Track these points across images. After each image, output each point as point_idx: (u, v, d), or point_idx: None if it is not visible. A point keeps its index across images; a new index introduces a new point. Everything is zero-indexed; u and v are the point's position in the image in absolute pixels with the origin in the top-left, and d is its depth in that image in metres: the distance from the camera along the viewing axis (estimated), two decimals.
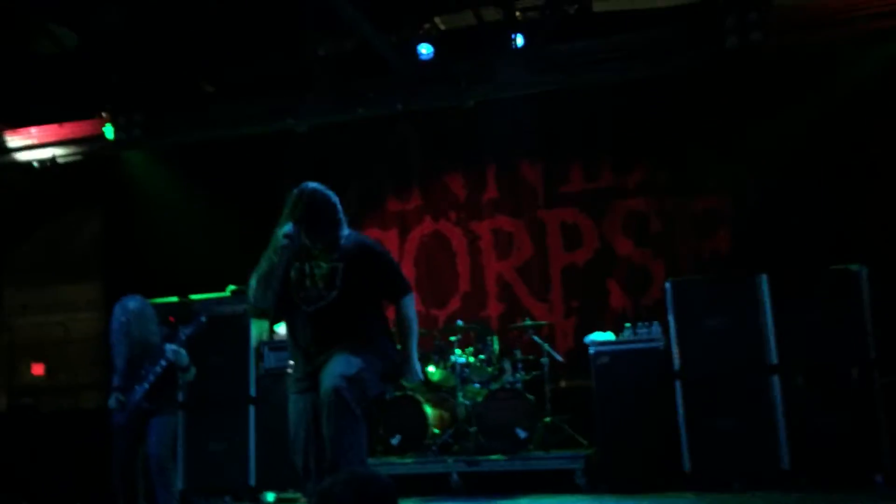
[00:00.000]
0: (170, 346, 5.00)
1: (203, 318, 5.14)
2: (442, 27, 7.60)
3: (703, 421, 5.97)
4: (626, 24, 7.04)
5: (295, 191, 3.69)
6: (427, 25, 7.41)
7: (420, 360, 6.96)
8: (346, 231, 3.76)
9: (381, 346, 3.66)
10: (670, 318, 6.20)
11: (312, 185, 3.72)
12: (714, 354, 6.03)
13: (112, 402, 5.08)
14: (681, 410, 6.04)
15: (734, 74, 7.09)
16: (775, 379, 5.91)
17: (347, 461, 3.25)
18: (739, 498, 5.50)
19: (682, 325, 6.15)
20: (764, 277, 6.05)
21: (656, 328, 6.37)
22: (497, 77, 7.02)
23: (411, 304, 3.77)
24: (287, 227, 3.56)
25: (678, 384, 6.08)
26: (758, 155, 7.19)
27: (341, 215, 3.74)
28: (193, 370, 5.20)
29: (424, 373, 7.16)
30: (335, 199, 3.74)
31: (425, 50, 7.20)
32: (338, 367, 3.43)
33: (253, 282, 3.64)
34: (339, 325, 3.56)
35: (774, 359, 5.94)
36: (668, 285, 6.32)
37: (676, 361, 6.12)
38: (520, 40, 6.94)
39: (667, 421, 6.05)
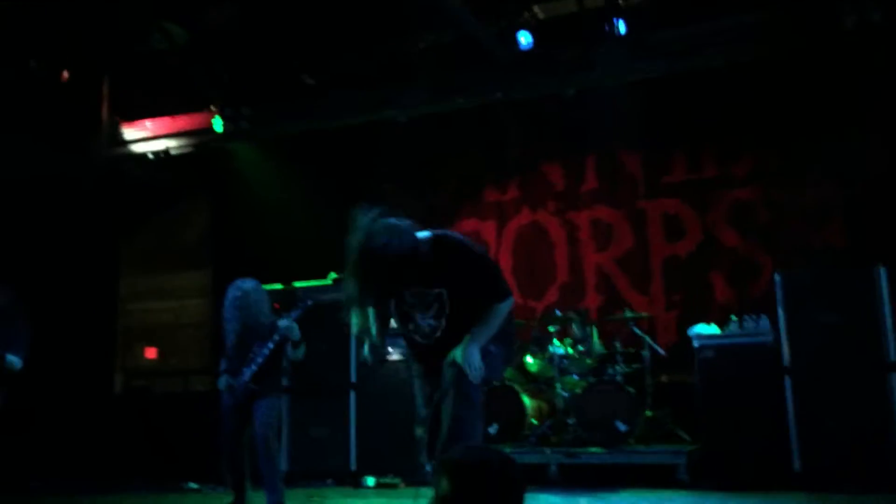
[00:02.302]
0: (283, 321, 5.14)
1: (309, 302, 5.27)
2: (541, 16, 7.51)
3: (814, 419, 5.72)
4: (733, 8, 6.80)
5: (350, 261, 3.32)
6: (526, 14, 7.36)
7: (517, 350, 7.08)
8: (422, 247, 3.37)
9: (502, 331, 3.61)
10: (780, 311, 5.97)
11: (360, 249, 3.24)
12: (827, 350, 5.77)
13: (222, 384, 5.26)
14: (791, 407, 5.80)
15: (848, 56, 6.75)
16: (893, 377, 5.62)
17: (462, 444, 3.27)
18: (852, 500, 5.25)
19: (793, 318, 5.91)
20: (882, 270, 5.75)
21: (764, 322, 6.14)
22: (598, 65, 6.91)
23: (505, 308, 3.50)
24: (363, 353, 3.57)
25: (788, 380, 5.86)
26: (873, 142, 6.84)
27: (406, 245, 3.28)
28: (304, 348, 5.31)
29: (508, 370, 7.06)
30: (387, 247, 3.22)
31: (524, 39, 7.13)
32: (457, 359, 3.42)
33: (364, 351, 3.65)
34: (457, 337, 3.48)
35: (893, 356, 5.64)
36: (777, 277, 6.08)
37: (786, 356, 5.89)
38: (622, 27, 6.80)
39: (775, 418, 5.83)
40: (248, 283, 5.37)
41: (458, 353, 3.39)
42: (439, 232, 3.55)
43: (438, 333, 3.53)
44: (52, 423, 8.26)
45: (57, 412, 8.33)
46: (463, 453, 2.18)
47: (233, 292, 5.33)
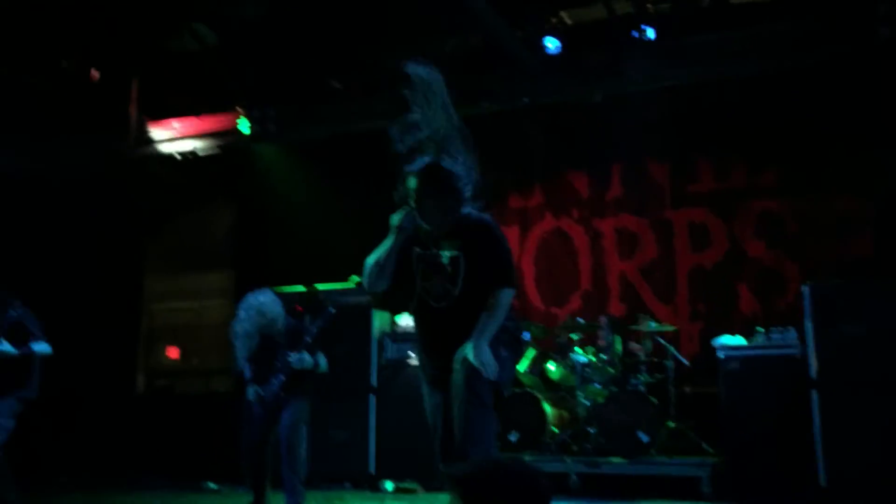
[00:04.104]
0: (293, 356, 5.12)
1: (332, 310, 5.24)
2: (569, 21, 7.49)
3: (841, 433, 5.62)
4: (764, 15, 6.73)
5: (412, 170, 3.50)
6: (553, 19, 7.33)
7: (539, 357, 7.03)
8: (466, 210, 3.53)
9: (508, 331, 3.58)
10: (807, 323, 5.87)
11: (429, 162, 3.47)
12: (855, 363, 5.67)
13: (250, 394, 5.23)
14: (817, 421, 5.70)
15: (880, 67, 6.65)
16: None
17: (476, 450, 3.21)
18: None
19: (821, 331, 5.81)
20: None
21: (791, 334, 6.06)
22: (626, 71, 6.86)
23: (508, 297, 3.51)
24: (397, 216, 3.48)
25: (815, 393, 5.76)
26: None
27: (460, 195, 3.47)
28: (324, 362, 5.30)
29: (515, 373, 6.98)
30: (454, 179, 3.45)
31: (551, 44, 7.11)
32: (469, 357, 3.38)
33: (368, 264, 3.57)
34: (467, 317, 3.48)
35: None
36: (805, 289, 5.98)
37: (813, 369, 5.79)
38: (650, 33, 6.75)
39: (801, 432, 5.73)
40: (261, 297, 5.31)
41: (468, 352, 3.34)
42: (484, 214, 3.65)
43: (451, 299, 3.50)
44: (77, 421, 8.33)
45: (82, 411, 8.40)
46: (474, 466, 2.10)
47: (246, 310, 5.25)
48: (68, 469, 7.78)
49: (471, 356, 3.33)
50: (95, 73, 7.75)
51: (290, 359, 5.11)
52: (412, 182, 3.47)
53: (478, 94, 7.45)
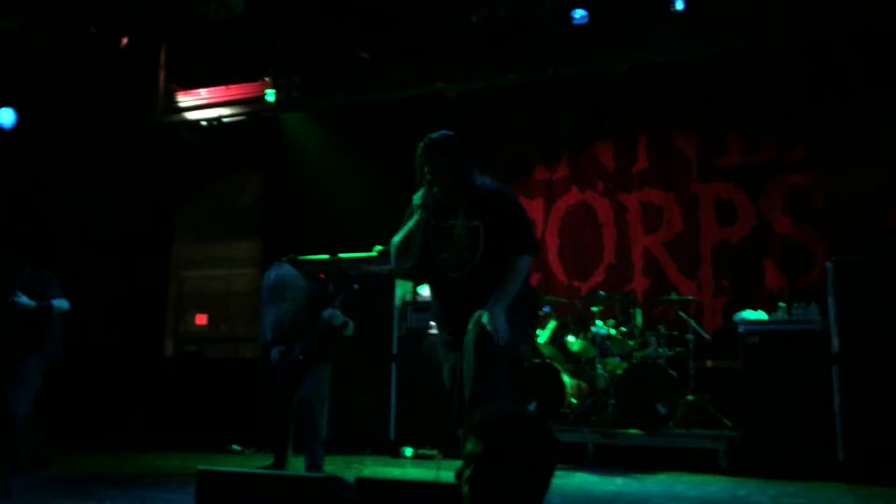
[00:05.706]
0: (326, 312, 5.22)
1: (356, 286, 5.33)
2: None
3: (861, 409, 5.58)
4: None
5: (420, 145, 3.63)
6: None
7: (559, 329, 7.05)
8: (478, 179, 3.64)
9: (523, 296, 3.62)
10: (830, 299, 5.82)
11: (434, 135, 3.63)
12: (877, 340, 5.62)
13: (274, 355, 5.34)
14: (837, 397, 5.67)
15: None
16: None
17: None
18: (894, 493, 5.13)
19: (843, 307, 5.76)
20: None
21: (813, 309, 6.01)
22: (652, 40, 6.78)
23: (526, 264, 3.59)
24: (418, 196, 3.57)
25: (835, 369, 5.72)
26: None
27: (467, 161, 3.62)
28: (351, 325, 5.41)
29: (535, 343, 6.98)
30: (459, 144, 3.62)
31: (578, 14, 7.04)
32: (483, 320, 3.43)
33: (393, 245, 3.68)
34: (484, 286, 3.52)
35: None
36: (828, 265, 5.93)
37: (835, 345, 5.75)
38: (679, 2, 6.65)
39: (821, 407, 5.70)
40: (277, 272, 5.39)
41: (484, 315, 3.39)
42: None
43: (468, 269, 3.56)
44: (106, 382, 8.52)
45: (110, 374, 8.59)
46: (493, 412, 2.12)
47: (267, 280, 5.38)
48: (98, 429, 7.98)
49: (485, 320, 3.39)
50: (124, 41, 7.82)
51: (324, 313, 5.20)
52: (421, 156, 3.61)
53: (504, 66, 7.43)
